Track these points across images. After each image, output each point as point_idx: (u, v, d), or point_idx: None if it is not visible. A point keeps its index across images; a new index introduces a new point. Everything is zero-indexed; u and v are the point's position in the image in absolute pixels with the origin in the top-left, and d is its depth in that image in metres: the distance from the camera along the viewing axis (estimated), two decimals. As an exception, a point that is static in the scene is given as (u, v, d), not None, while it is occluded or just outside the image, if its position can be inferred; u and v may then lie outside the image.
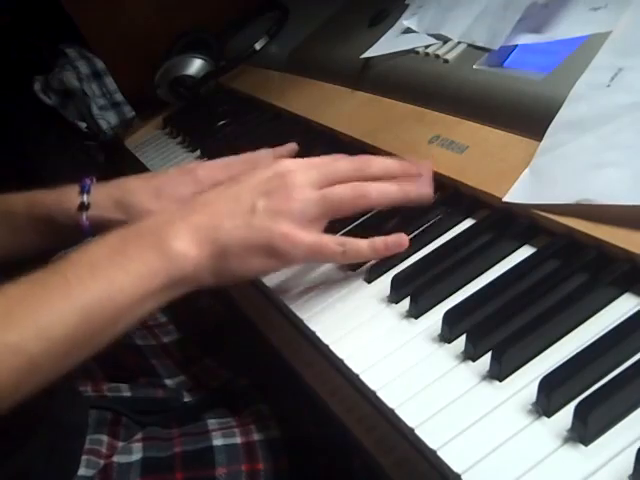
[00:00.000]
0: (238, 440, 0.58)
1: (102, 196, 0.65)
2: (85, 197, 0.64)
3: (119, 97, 1.19)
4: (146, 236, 0.49)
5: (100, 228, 0.64)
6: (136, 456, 0.57)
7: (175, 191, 0.65)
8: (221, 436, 0.59)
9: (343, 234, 0.60)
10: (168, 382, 0.71)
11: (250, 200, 0.51)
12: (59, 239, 0.67)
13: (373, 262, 0.55)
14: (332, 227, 0.61)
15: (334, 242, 0.51)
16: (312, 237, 0.50)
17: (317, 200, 0.51)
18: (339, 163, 0.54)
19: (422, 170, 0.56)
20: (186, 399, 0.68)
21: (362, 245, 0.52)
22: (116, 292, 0.46)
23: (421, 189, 0.55)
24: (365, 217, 0.62)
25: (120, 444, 0.59)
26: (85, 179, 0.65)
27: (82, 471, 0.56)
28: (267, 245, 0.49)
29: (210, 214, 0.50)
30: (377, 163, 0.55)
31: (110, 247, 0.48)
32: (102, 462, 0.57)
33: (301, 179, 0.52)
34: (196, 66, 1.13)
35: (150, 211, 0.63)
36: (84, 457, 0.57)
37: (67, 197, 0.65)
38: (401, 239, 0.53)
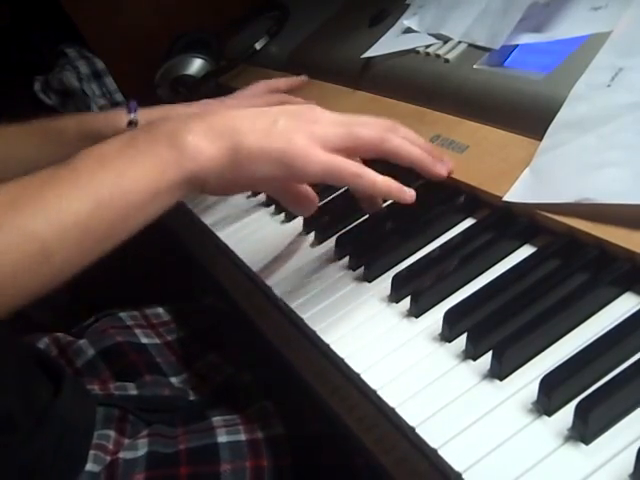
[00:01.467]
0: (242, 437, 0.58)
1: (148, 117, 0.69)
2: (132, 115, 0.68)
3: (119, 97, 1.19)
4: (160, 131, 0.48)
5: None
6: (141, 452, 0.57)
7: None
8: (225, 433, 0.59)
9: (341, 235, 0.60)
10: (174, 380, 0.71)
11: (274, 116, 0.50)
12: None
13: (373, 262, 0.55)
14: (329, 226, 0.62)
15: (352, 164, 0.50)
16: (328, 155, 0.49)
17: (341, 132, 0.50)
18: (370, 117, 0.53)
19: (445, 158, 0.56)
20: (191, 397, 0.68)
21: (378, 179, 0.51)
22: (126, 183, 0.45)
23: (437, 166, 0.54)
24: (363, 219, 0.62)
25: (126, 441, 0.59)
26: (132, 101, 0.69)
27: (89, 467, 0.56)
28: (282, 153, 0.48)
29: (230, 117, 0.49)
30: (406, 131, 0.54)
31: (121, 141, 0.47)
32: (108, 458, 0.57)
33: (329, 115, 0.51)
34: (196, 66, 1.13)
35: None
36: (91, 453, 0.57)
37: (116, 116, 0.69)
38: (411, 193, 0.52)
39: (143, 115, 0.69)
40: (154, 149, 0.46)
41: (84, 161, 0.46)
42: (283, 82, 0.81)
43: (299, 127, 0.49)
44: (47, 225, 0.42)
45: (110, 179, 0.45)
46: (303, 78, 0.80)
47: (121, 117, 0.69)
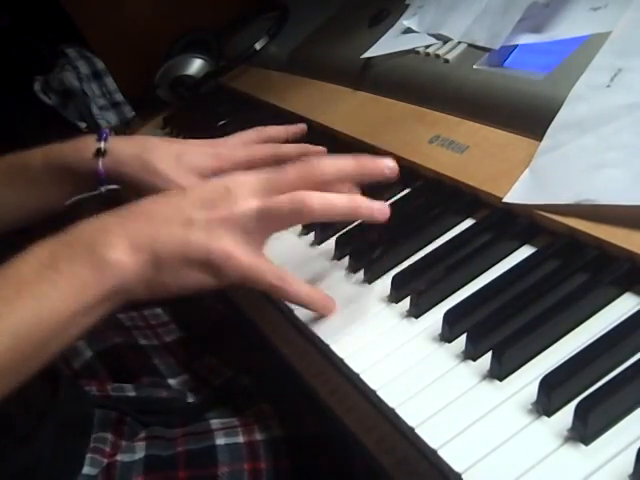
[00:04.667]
0: (241, 439, 0.58)
1: (120, 146, 0.64)
2: (102, 144, 0.64)
3: (119, 97, 1.19)
4: (77, 246, 0.46)
5: (115, 178, 0.64)
6: (139, 454, 0.57)
7: (194, 161, 0.64)
8: (224, 435, 0.59)
9: (341, 235, 0.60)
10: (172, 382, 0.71)
11: (190, 210, 0.48)
12: (76, 189, 0.66)
13: (372, 261, 0.55)
14: (329, 226, 0.62)
15: (274, 274, 0.49)
16: (250, 259, 0.48)
17: (256, 212, 0.48)
18: (288, 170, 0.50)
19: (382, 164, 0.51)
20: (190, 399, 0.68)
21: (301, 291, 0.50)
22: (46, 311, 0.43)
23: (375, 210, 0.50)
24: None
25: (124, 443, 0.59)
26: (104, 129, 0.65)
27: (86, 470, 0.56)
28: (204, 260, 0.47)
29: (147, 222, 0.48)
30: (328, 166, 0.51)
31: (39, 261, 0.45)
32: (106, 461, 0.57)
33: (244, 191, 0.49)
34: (196, 66, 1.14)
35: (166, 174, 0.63)
36: (88, 456, 0.57)
37: (84, 144, 0.64)
38: (332, 307, 0.51)
39: (115, 143, 0.65)
40: (73, 269, 0.44)
41: (2, 290, 0.43)
42: (276, 131, 0.74)
43: (217, 221, 0.47)
44: None
45: (28, 310, 0.43)
46: (302, 126, 0.74)
47: (88, 146, 0.64)
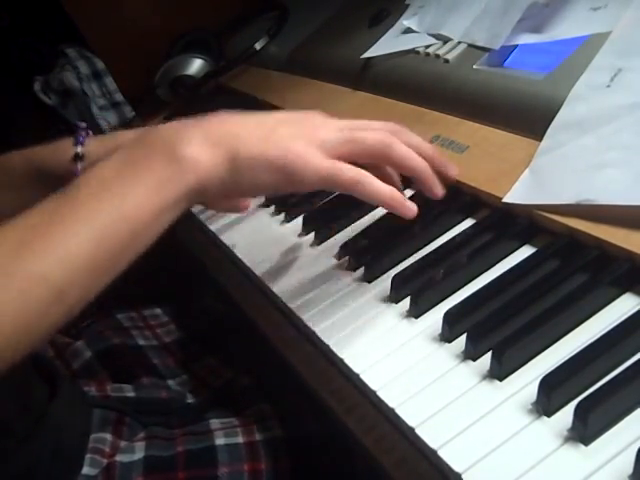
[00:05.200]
0: (240, 440, 0.58)
1: (96, 148, 0.64)
2: (79, 148, 0.64)
3: (119, 97, 1.19)
4: (156, 144, 0.47)
5: None
6: (139, 455, 0.57)
7: None
8: (223, 435, 0.59)
9: (343, 244, 0.60)
10: (171, 383, 0.71)
11: (274, 124, 0.49)
12: (54, 192, 0.66)
13: (373, 262, 0.55)
14: (326, 230, 0.62)
15: (353, 170, 0.48)
16: (328, 162, 0.48)
17: (343, 137, 0.49)
18: (374, 122, 0.52)
19: (449, 167, 0.55)
20: (189, 400, 0.68)
21: (381, 188, 0.49)
22: (129, 209, 0.44)
23: (436, 186, 0.53)
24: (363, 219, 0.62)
25: (123, 443, 0.59)
26: (80, 131, 0.65)
27: (86, 470, 0.56)
28: (281, 161, 0.47)
29: (228, 124, 0.48)
30: (412, 137, 0.53)
31: (120, 161, 0.46)
32: (105, 461, 0.57)
33: (331, 121, 0.51)
34: (196, 66, 1.13)
35: None
36: (88, 456, 0.57)
37: (62, 149, 0.65)
38: (413, 208, 0.50)
39: (91, 145, 0.65)
40: (152, 166, 0.45)
41: (85, 189, 0.45)
42: None
43: (299, 133, 0.48)
44: (57, 267, 0.42)
45: (112, 207, 0.44)
46: None
47: (67, 150, 0.64)
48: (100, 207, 0.44)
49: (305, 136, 0.48)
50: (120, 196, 0.44)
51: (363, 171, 0.49)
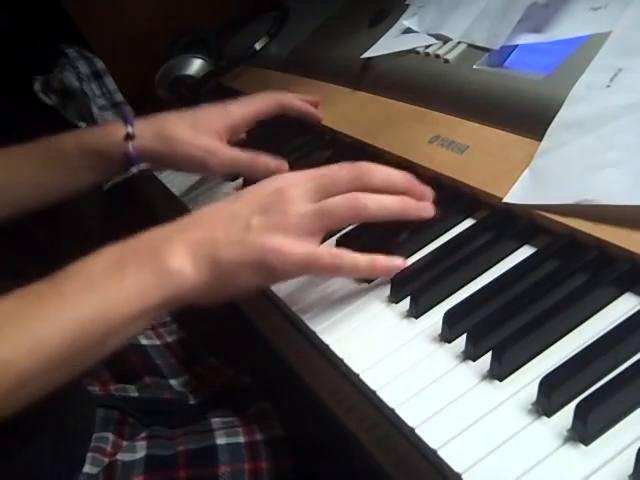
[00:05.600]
0: (241, 439, 0.58)
1: (144, 127, 0.70)
2: (129, 128, 0.70)
3: (119, 97, 1.19)
4: (142, 253, 0.48)
5: (144, 157, 0.71)
6: (140, 454, 0.57)
7: (209, 123, 0.71)
8: (224, 435, 0.59)
9: (341, 236, 0.60)
10: (173, 382, 0.71)
11: (246, 217, 0.50)
12: (108, 171, 0.73)
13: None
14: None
15: (329, 255, 0.50)
16: (305, 249, 0.49)
17: (313, 214, 0.50)
18: (339, 173, 0.52)
19: (425, 190, 0.54)
20: (191, 401, 0.68)
21: (361, 261, 0.50)
22: (110, 309, 0.46)
23: (422, 208, 0.53)
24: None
25: (124, 443, 0.59)
26: (125, 108, 0.73)
27: (87, 468, 0.56)
28: (259, 261, 0.48)
29: (206, 230, 0.50)
30: (380, 173, 0.53)
31: (106, 262, 0.48)
32: (106, 460, 0.57)
33: (298, 193, 0.51)
34: (196, 66, 1.13)
35: (185, 141, 0.69)
36: (89, 455, 0.57)
37: (113, 130, 0.70)
38: (400, 263, 0.51)
39: (139, 125, 0.71)
40: (138, 274, 0.47)
41: (70, 283, 0.46)
42: (285, 95, 0.81)
43: (270, 224, 0.49)
44: (28, 356, 0.43)
45: (93, 306, 0.45)
46: (315, 99, 0.81)
47: (118, 130, 0.70)
48: (81, 304, 0.45)
49: (278, 226, 0.49)
50: (102, 297, 0.46)
51: (338, 251, 0.51)
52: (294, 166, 0.69)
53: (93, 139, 0.71)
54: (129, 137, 0.69)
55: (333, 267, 0.50)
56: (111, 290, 0.46)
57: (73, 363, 0.46)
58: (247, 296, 0.51)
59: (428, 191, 0.54)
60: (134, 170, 0.74)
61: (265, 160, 0.70)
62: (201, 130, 0.70)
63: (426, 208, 0.53)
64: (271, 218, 0.50)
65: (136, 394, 0.67)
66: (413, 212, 0.52)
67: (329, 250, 0.51)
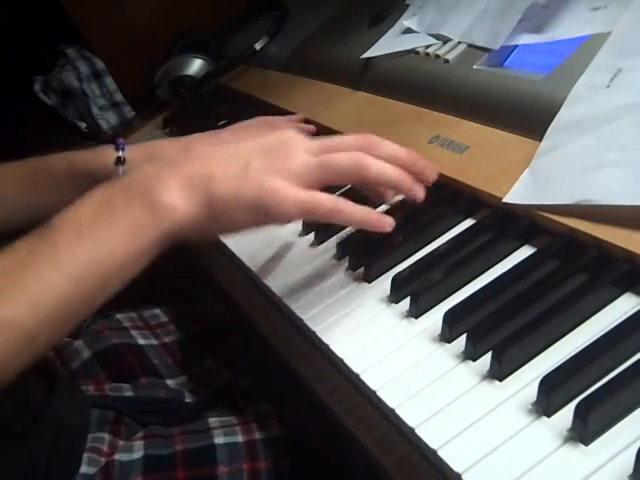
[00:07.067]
0: (240, 439, 0.58)
1: (136, 153, 0.70)
2: (121, 153, 0.69)
3: (119, 97, 1.19)
4: (132, 190, 0.47)
5: None
6: (137, 454, 0.57)
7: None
8: (222, 434, 0.59)
9: (340, 241, 0.60)
10: (170, 382, 0.71)
11: (246, 158, 0.49)
12: None
13: (373, 262, 0.55)
14: (329, 226, 0.62)
15: (329, 200, 0.49)
16: (303, 195, 0.48)
17: (315, 164, 0.49)
18: (345, 139, 0.52)
19: (427, 170, 0.54)
20: (188, 399, 0.68)
21: (357, 210, 0.49)
22: (104, 254, 0.45)
23: (416, 189, 0.52)
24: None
25: (121, 442, 0.59)
26: (119, 138, 0.70)
27: (84, 469, 0.56)
28: (256, 200, 0.47)
29: (202, 164, 0.49)
30: (385, 146, 0.52)
31: (95, 205, 0.46)
32: (103, 460, 0.57)
33: (302, 146, 0.50)
34: (196, 66, 1.14)
35: None
36: (86, 455, 0.57)
37: (104, 154, 0.69)
38: (391, 222, 0.50)
39: (131, 150, 0.70)
40: (129, 212, 0.46)
41: (61, 231, 0.45)
42: (278, 120, 0.79)
43: (271, 167, 0.48)
44: (29, 313, 0.42)
45: (87, 253, 0.44)
46: (311, 128, 0.78)
47: (110, 155, 0.69)
48: (74, 252, 0.44)
49: (278, 169, 0.48)
50: (95, 241, 0.45)
51: (337, 198, 0.50)
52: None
53: (85, 161, 0.70)
54: (119, 161, 0.68)
55: (330, 211, 0.48)
56: (102, 234, 0.45)
57: (75, 313, 0.45)
58: (240, 231, 0.50)
59: (430, 169, 0.54)
60: None
61: None
62: None
63: (419, 191, 0.52)
64: (272, 162, 0.49)
65: (131, 393, 0.67)
66: (407, 187, 0.52)
67: (328, 196, 0.49)
